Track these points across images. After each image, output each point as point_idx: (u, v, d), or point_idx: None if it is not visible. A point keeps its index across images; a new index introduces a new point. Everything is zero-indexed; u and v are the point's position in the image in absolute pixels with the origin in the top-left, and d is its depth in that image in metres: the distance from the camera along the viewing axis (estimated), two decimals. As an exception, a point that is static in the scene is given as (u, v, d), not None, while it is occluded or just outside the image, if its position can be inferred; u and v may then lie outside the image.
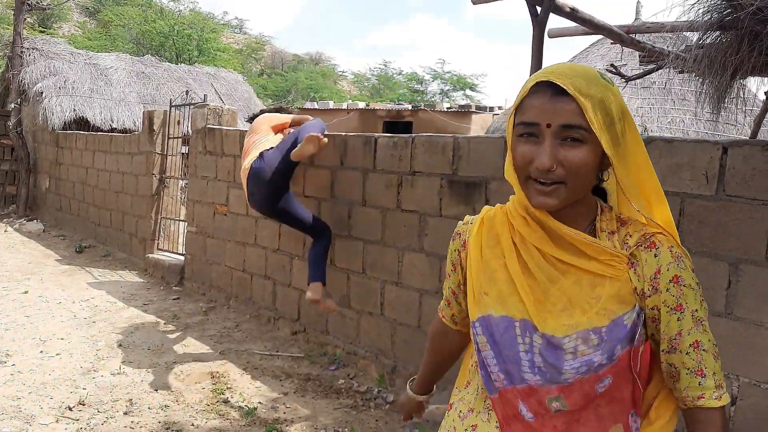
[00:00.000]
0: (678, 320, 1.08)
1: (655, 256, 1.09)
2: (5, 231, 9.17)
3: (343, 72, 43.54)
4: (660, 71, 4.91)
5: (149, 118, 7.14)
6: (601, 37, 8.95)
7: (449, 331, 1.49)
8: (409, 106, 18.97)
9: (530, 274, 1.14)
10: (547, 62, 4.47)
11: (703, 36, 2.99)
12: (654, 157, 2.74)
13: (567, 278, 1.11)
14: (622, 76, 4.75)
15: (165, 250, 6.95)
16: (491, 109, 17.10)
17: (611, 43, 9.09)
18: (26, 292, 5.75)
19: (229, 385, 3.84)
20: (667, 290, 1.07)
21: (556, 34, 4.77)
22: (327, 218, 4.46)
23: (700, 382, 1.09)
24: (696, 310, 1.09)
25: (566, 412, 1.10)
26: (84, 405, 3.45)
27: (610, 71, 4.81)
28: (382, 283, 4.05)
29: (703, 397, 1.08)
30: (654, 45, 4.40)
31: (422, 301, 3.78)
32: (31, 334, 4.59)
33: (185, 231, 6.39)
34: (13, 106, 10.67)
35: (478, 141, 3.53)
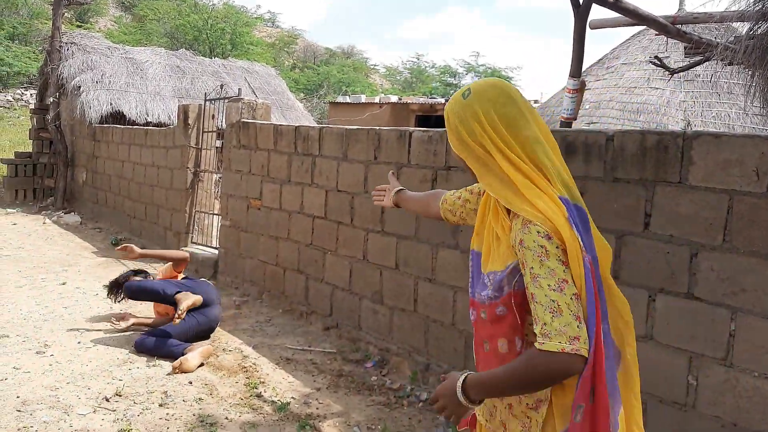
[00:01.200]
0: (526, 275, 1.39)
1: (518, 226, 1.42)
2: (44, 223, 9.42)
3: (375, 65, 43.55)
4: (705, 63, 4.78)
5: (184, 112, 7.24)
6: (642, 28, 8.75)
7: (435, 203, 2.03)
8: (443, 100, 18.88)
9: (488, 231, 1.58)
10: (588, 54, 4.39)
11: (754, 26, 2.90)
12: (701, 153, 2.67)
13: (494, 238, 1.55)
14: (666, 68, 4.64)
15: (199, 244, 7.05)
16: (527, 102, 16.90)
17: (655, 35, 8.88)
18: (64, 284, 5.90)
19: (262, 380, 3.88)
20: (519, 251, 1.41)
21: (598, 25, 4.68)
22: (360, 213, 4.46)
23: (535, 327, 1.36)
24: (533, 268, 1.37)
25: (485, 321, 1.55)
26: (120, 396, 3.52)
27: (654, 63, 4.70)
28: (416, 279, 4.04)
29: (535, 340, 1.35)
30: (701, 36, 4.28)
31: (456, 298, 3.75)
32: (69, 325, 4.70)
33: (219, 225, 6.47)
34: (51, 100, 10.93)
35: (515, 135, 3.47)
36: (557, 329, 1.31)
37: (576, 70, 4.15)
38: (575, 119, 4.26)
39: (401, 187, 2.22)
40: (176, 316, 4.16)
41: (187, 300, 4.19)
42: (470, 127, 1.46)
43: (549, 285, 1.34)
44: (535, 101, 16.95)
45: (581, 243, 1.37)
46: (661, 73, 9.02)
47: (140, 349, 4.23)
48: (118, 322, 4.68)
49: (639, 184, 2.88)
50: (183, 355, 3.99)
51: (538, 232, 1.37)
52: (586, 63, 5.09)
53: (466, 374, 1.50)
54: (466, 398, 1.46)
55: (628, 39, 11.00)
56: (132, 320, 4.70)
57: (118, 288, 4.77)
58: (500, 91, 1.47)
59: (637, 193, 2.88)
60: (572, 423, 1.39)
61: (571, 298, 1.33)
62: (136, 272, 4.86)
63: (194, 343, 4.19)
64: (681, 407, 2.73)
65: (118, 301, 4.84)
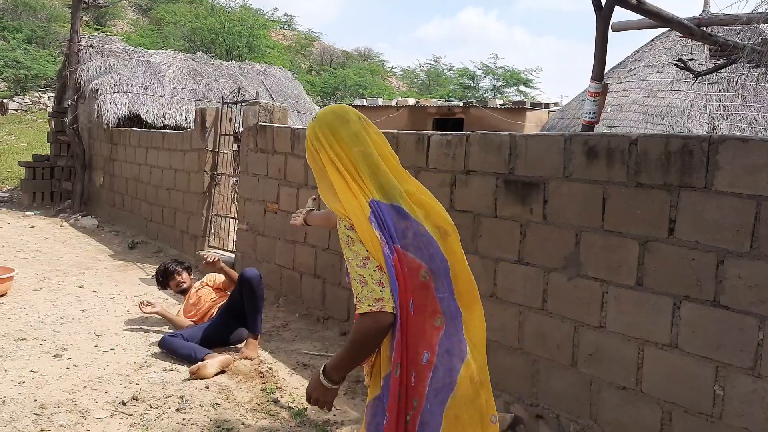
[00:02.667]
0: (345, 261, 1.77)
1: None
2: (61, 226, 9.55)
3: (391, 68, 43.65)
4: (731, 66, 4.72)
5: (201, 115, 7.30)
6: (665, 30, 8.69)
7: (335, 215, 2.08)
8: (460, 103, 18.87)
9: None
10: (609, 57, 4.37)
11: (782, 28, 2.86)
12: (727, 158, 2.64)
13: None
14: (691, 71, 4.59)
15: (215, 248, 7.10)
16: (547, 105, 16.84)
17: (679, 37, 8.81)
18: (81, 287, 5.97)
19: (278, 385, 3.89)
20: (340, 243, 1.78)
21: (620, 27, 4.65)
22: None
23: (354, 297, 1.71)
24: (345, 254, 1.76)
25: None
26: (137, 400, 3.55)
27: (679, 66, 4.66)
28: (434, 285, 4.03)
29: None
30: (726, 38, 4.24)
31: (476, 304, 3.73)
32: (86, 329, 4.76)
33: (236, 228, 6.51)
34: (69, 103, 11.09)
35: (536, 139, 3.46)
36: (366, 295, 1.68)
37: (598, 73, 4.12)
38: (597, 123, 4.24)
39: (312, 208, 2.71)
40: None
41: (213, 368, 4.03)
42: (313, 145, 1.89)
43: (356, 264, 1.72)
44: (555, 104, 16.87)
45: (379, 236, 1.71)
46: (685, 75, 8.94)
47: (163, 346, 4.30)
48: (145, 307, 4.81)
49: (663, 189, 2.85)
50: (203, 360, 4.02)
51: (345, 225, 1.77)
52: (608, 65, 5.06)
53: (324, 364, 1.83)
54: (329, 381, 1.79)
55: (651, 41, 10.91)
56: (158, 308, 4.85)
57: (164, 276, 5.10)
58: (336, 116, 1.88)
59: (662, 199, 2.85)
60: (393, 376, 1.73)
61: (373, 270, 1.70)
62: (179, 263, 5.13)
63: (215, 352, 4.21)
64: (707, 418, 2.69)
65: (162, 289, 5.19)
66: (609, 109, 9.53)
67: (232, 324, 4.51)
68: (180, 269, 5.13)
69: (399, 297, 1.70)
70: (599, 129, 6.30)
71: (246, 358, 4.22)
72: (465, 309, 1.85)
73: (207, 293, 4.97)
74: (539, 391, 3.36)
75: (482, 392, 1.87)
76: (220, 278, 5.01)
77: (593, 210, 3.11)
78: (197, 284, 5.13)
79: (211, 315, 4.77)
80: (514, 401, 3.47)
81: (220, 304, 4.76)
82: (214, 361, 4.01)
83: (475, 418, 1.82)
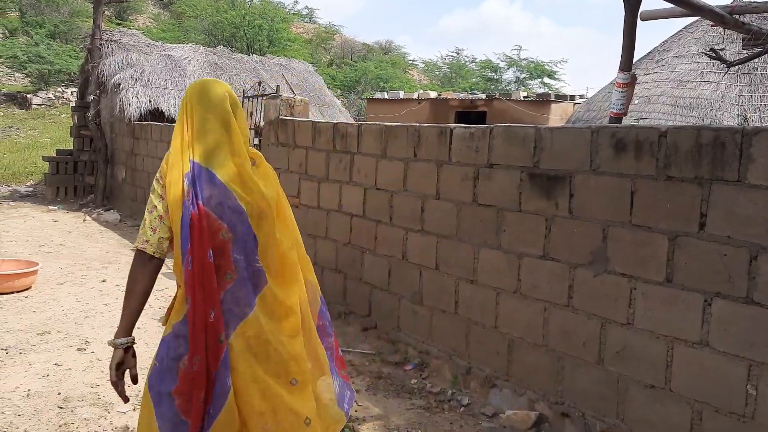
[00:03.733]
0: None
1: None
2: (84, 220, 9.69)
3: (413, 61, 43.51)
4: (765, 56, 4.61)
5: (222, 109, 7.33)
6: (696, 18, 8.53)
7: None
8: (483, 96, 18.75)
9: None
10: (637, 47, 4.29)
11: (820, 15, 2.78)
12: (761, 150, 2.58)
13: None
14: (723, 61, 4.49)
15: (236, 242, 7.14)
16: (572, 97, 16.66)
17: (710, 26, 8.65)
18: (104, 281, 6.05)
19: (299, 380, 3.91)
20: None
21: (649, 16, 4.57)
22: (399, 212, 4.45)
23: None
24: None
25: None
26: (159, 394, 3.59)
27: (710, 56, 4.56)
28: (456, 280, 4.01)
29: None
30: (760, 27, 4.14)
31: (499, 300, 3.71)
32: (109, 323, 4.82)
33: (256, 223, 6.54)
34: (92, 97, 11.23)
35: (562, 132, 3.42)
36: (140, 235, 2.09)
37: (626, 64, 4.06)
38: (625, 115, 4.17)
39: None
40: None
41: None
42: (182, 106, 2.16)
43: (147, 209, 2.10)
44: (581, 96, 16.69)
45: (187, 189, 2.01)
46: (716, 66, 8.77)
47: None
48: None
49: (694, 182, 2.79)
50: None
51: (155, 177, 2.14)
52: (636, 56, 4.97)
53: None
54: (116, 337, 2.12)
55: (680, 30, 10.73)
56: None
57: None
58: (204, 86, 2.14)
59: (692, 193, 2.80)
60: (188, 312, 2.01)
61: (155, 218, 2.08)
62: None
63: None
64: (739, 418, 2.64)
65: None
66: (636, 101, 9.40)
67: None
68: None
69: (195, 246, 1.98)
70: (626, 122, 6.21)
71: None
72: (273, 280, 2.14)
73: None
74: (564, 388, 3.32)
75: (275, 350, 2.10)
76: None
77: (621, 204, 3.06)
78: None
79: None
80: (538, 399, 3.44)
81: None
82: None
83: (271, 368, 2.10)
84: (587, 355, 3.21)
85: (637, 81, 8.48)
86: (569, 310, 3.30)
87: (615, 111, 4.16)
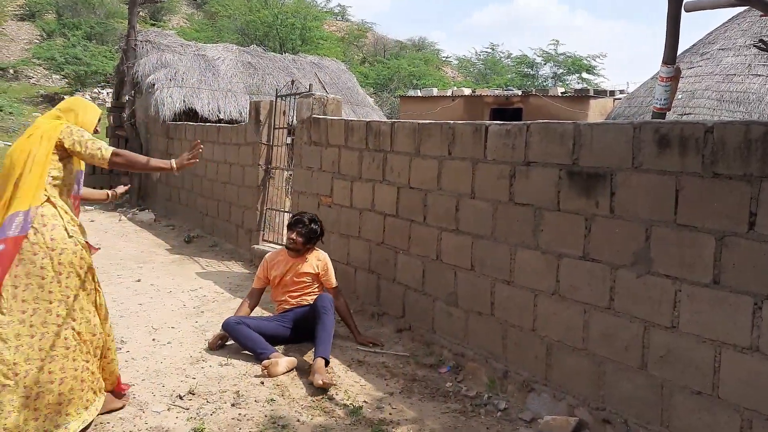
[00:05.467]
0: None
1: None
2: (119, 220, 9.89)
3: (446, 57, 43.30)
4: (819, 46, 4.44)
5: (256, 108, 7.42)
6: (743, 9, 8.29)
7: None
8: (519, 92, 18.57)
9: None
10: (681, 40, 4.18)
11: None
12: (816, 146, 2.48)
13: None
14: (772, 52, 4.34)
15: (270, 242, 7.21)
16: (611, 93, 16.38)
17: (759, 16, 8.40)
18: (139, 281, 6.16)
19: (333, 382, 3.91)
20: None
21: (694, 7, 4.44)
22: (433, 211, 4.43)
23: None
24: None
25: None
26: (194, 394, 3.64)
27: (760, 47, 4.42)
28: (493, 281, 3.97)
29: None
30: (813, 16, 3.99)
31: (537, 302, 3.66)
32: (143, 322, 4.91)
33: (289, 222, 6.58)
34: (127, 98, 11.47)
35: (602, 128, 3.35)
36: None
37: (670, 57, 3.96)
38: (669, 110, 4.07)
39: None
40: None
41: (282, 367, 4.02)
42: None
43: None
44: (621, 91, 16.40)
45: None
46: (764, 58, 8.52)
47: (227, 329, 4.34)
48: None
49: (743, 180, 2.71)
50: (268, 359, 4.06)
51: None
52: (679, 49, 4.85)
53: None
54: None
55: (726, 22, 10.45)
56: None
57: (298, 223, 4.73)
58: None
59: (741, 190, 2.71)
60: None
61: None
62: (313, 219, 4.79)
63: (281, 352, 4.24)
64: (791, 427, 2.55)
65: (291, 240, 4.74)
66: (680, 96, 9.18)
67: (298, 335, 4.48)
68: (301, 230, 4.70)
69: None
70: (670, 117, 6.07)
71: (315, 384, 3.81)
72: None
73: (306, 282, 4.75)
74: (606, 394, 3.26)
75: None
76: (331, 274, 4.78)
77: (665, 203, 2.99)
78: (308, 266, 4.74)
79: (285, 301, 4.70)
80: (578, 404, 3.38)
81: (298, 298, 4.68)
82: (283, 361, 4.03)
83: None
84: (630, 360, 3.14)
85: (682, 75, 8.29)
86: (610, 313, 3.24)
87: (658, 106, 4.06)
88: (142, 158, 3.47)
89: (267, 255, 4.95)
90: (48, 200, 3.04)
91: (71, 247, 3.07)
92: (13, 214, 2.91)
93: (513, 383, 3.77)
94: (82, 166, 3.39)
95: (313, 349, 4.21)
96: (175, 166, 3.43)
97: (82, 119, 3.33)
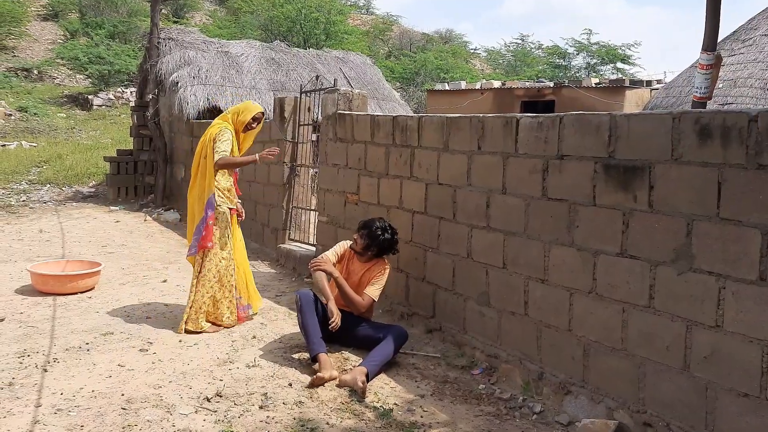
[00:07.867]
0: None
1: None
2: (145, 220, 10.03)
3: (475, 49, 43.07)
4: None
5: (280, 105, 7.45)
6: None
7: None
8: (551, 84, 18.36)
9: None
10: (721, 26, 4.10)
11: None
12: None
13: None
14: (820, 36, 4.22)
15: (296, 241, 7.24)
16: (648, 83, 16.11)
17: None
18: (165, 281, 6.24)
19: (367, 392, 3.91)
20: None
21: (735, -9, 4.36)
22: (463, 207, 4.40)
23: None
24: None
25: None
26: (221, 397, 3.67)
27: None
28: (526, 279, 3.93)
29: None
30: None
31: (573, 301, 3.61)
32: (170, 323, 4.97)
33: (316, 221, 6.61)
34: (150, 96, 11.62)
35: (640, 119, 3.29)
36: None
37: (710, 43, 3.88)
38: (710, 99, 3.99)
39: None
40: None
41: (326, 372, 3.98)
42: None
43: None
44: (658, 81, 16.13)
45: None
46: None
47: (300, 304, 4.32)
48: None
49: (791, 171, 2.64)
50: (318, 353, 4.07)
51: None
52: (720, 36, 4.76)
53: None
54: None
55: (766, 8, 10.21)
56: (328, 267, 4.54)
57: (365, 227, 4.64)
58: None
59: (789, 182, 2.64)
60: None
61: None
62: (385, 228, 4.64)
63: (329, 358, 4.17)
64: None
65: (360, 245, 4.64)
66: (721, 85, 9.00)
67: (334, 335, 4.38)
68: (364, 234, 4.60)
69: None
70: (711, 106, 5.95)
71: (353, 385, 3.84)
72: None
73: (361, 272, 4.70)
74: (646, 396, 3.21)
75: None
76: (378, 287, 4.57)
77: (707, 196, 2.92)
78: (365, 278, 4.63)
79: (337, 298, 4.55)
80: (617, 407, 3.33)
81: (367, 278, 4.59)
82: (326, 373, 3.95)
83: None
84: (671, 360, 3.09)
85: (722, 62, 8.13)
86: (650, 312, 3.18)
87: (698, 95, 3.99)
88: (235, 159, 5.00)
89: (348, 243, 4.79)
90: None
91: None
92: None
93: (549, 385, 3.73)
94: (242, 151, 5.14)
95: (340, 351, 4.20)
96: (258, 158, 5.00)
97: (239, 118, 5.07)
